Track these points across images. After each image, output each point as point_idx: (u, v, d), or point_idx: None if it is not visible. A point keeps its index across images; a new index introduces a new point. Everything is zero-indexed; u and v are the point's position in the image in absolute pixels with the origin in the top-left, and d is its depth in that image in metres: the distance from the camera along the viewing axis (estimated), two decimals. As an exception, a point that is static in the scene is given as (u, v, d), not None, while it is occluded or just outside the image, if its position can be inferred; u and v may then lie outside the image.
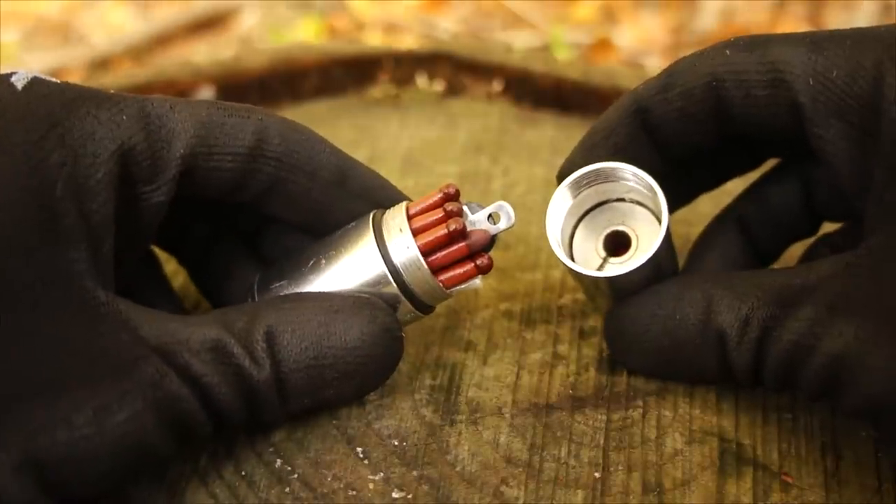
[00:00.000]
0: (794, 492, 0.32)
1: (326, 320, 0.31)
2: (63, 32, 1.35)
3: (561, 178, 0.35)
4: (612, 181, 0.35)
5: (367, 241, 0.33)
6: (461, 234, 0.33)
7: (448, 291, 0.33)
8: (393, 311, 0.33)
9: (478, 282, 0.33)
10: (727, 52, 0.33)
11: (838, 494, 0.32)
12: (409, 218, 0.33)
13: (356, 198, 0.35)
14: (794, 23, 1.25)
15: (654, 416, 0.34)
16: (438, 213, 0.33)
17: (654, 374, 0.35)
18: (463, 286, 0.33)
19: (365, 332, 0.31)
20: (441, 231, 0.33)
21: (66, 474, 0.27)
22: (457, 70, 0.57)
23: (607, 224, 0.36)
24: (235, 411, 0.30)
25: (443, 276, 0.33)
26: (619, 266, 0.34)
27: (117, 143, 0.30)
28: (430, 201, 0.34)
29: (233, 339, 0.30)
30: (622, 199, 0.36)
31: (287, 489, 0.32)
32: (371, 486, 0.32)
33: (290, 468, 0.32)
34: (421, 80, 0.57)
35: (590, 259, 0.36)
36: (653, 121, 0.34)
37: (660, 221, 0.33)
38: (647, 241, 0.35)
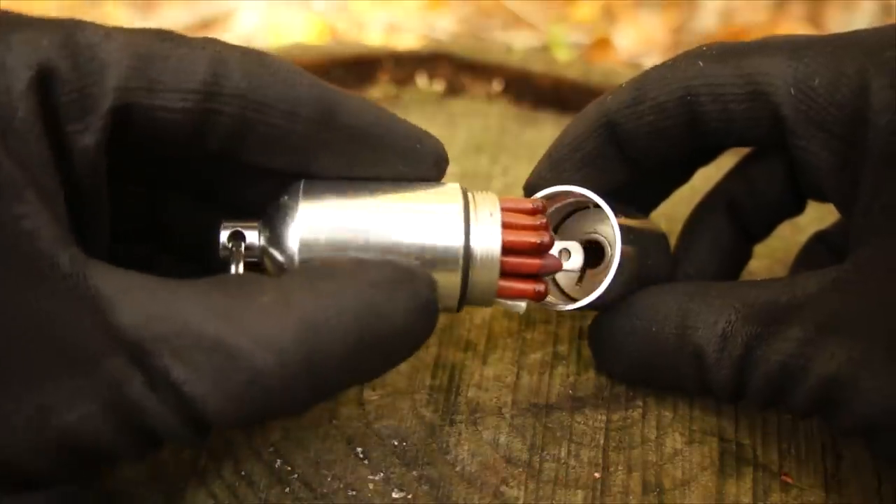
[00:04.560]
0: (794, 492, 0.32)
1: (370, 298, 0.26)
2: (63, 32, 1.35)
3: (527, 191, 0.35)
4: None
5: (454, 209, 0.30)
6: (546, 249, 0.31)
7: (496, 300, 0.31)
8: (432, 282, 0.29)
9: (523, 305, 0.32)
10: (700, 63, 0.31)
11: (838, 494, 0.32)
12: (501, 210, 0.31)
13: (348, 138, 0.29)
14: (793, 23, 1.25)
15: (654, 416, 0.34)
16: (528, 219, 0.31)
17: (637, 382, 0.35)
18: (509, 302, 0.32)
19: (409, 308, 0.27)
20: (531, 238, 0.31)
21: (5, 469, 0.25)
22: (457, 70, 0.57)
23: (581, 232, 0.35)
24: (230, 419, 0.25)
25: (502, 283, 0.31)
26: (576, 301, 0.33)
27: (34, 71, 0.25)
28: (523, 205, 0.32)
29: (241, 331, 0.24)
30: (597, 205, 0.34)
31: (287, 489, 0.32)
32: (371, 486, 0.32)
33: (290, 468, 0.32)
34: (421, 80, 0.57)
35: (568, 267, 0.34)
36: (622, 135, 0.33)
37: (613, 246, 0.32)
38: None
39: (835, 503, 0.32)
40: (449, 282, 0.30)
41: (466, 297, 0.31)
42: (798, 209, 0.37)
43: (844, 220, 0.31)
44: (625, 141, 0.33)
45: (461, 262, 0.30)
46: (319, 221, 0.29)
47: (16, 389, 0.24)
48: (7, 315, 0.24)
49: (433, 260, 0.30)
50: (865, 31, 0.30)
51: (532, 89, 0.56)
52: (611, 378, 0.36)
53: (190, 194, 0.33)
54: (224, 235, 0.30)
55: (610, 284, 0.32)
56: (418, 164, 0.31)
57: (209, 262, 0.32)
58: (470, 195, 0.31)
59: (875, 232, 0.28)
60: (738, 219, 0.37)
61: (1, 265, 0.24)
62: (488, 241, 0.30)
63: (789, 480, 0.32)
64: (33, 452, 0.24)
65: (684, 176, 0.38)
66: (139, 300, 0.24)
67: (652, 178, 0.36)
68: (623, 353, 0.34)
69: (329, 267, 0.28)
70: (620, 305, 0.33)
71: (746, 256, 0.38)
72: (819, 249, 0.37)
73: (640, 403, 0.35)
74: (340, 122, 0.29)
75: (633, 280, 0.33)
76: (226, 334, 0.24)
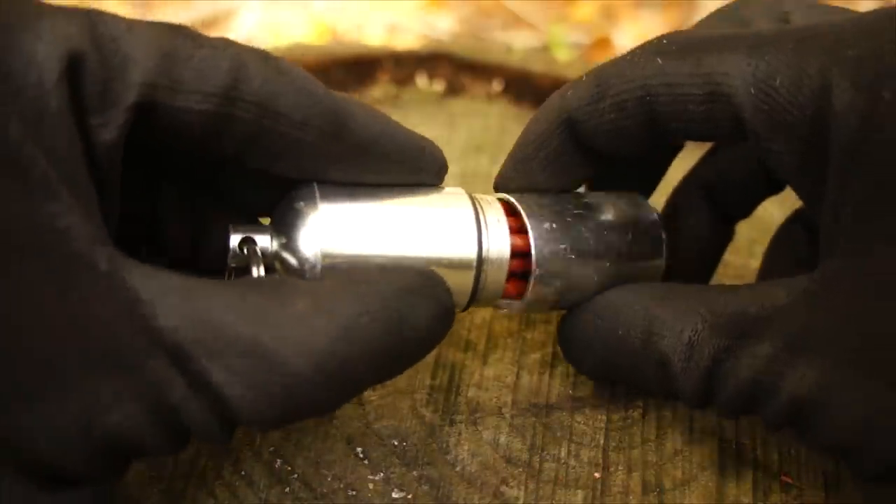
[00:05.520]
0: (794, 492, 0.32)
1: (398, 306, 0.27)
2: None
3: (498, 187, 0.35)
4: None
5: (466, 215, 0.31)
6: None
7: (500, 300, 0.33)
8: (448, 288, 0.30)
9: (519, 304, 0.33)
10: (658, 59, 0.30)
11: (838, 494, 0.32)
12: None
13: (357, 151, 0.30)
14: (794, 23, 1.25)
15: (654, 416, 0.34)
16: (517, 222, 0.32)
17: (603, 380, 0.35)
18: (506, 301, 0.33)
19: (433, 315, 0.28)
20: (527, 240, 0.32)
21: (49, 470, 0.25)
22: (457, 70, 0.57)
23: None
24: (266, 420, 0.25)
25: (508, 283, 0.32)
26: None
27: (64, 63, 0.24)
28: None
29: (279, 338, 0.24)
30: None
31: (287, 489, 0.32)
32: (371, 486, 0.32)
33: (290, 468, 0.32)
34: (421, 80, 0.57)
35: None
36: (583, 132, 0.32)
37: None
38: None
39: (835, 503, 0.32)
40: (461, 284, 0.31)
41: (476, 298, 0.32)
42: (778, 187, 0.37)
43: (814, 219, 0.31)
44: (586, 138, 0.33)
45: (475, 266, 0.31)
46: (338, 227, 0.29)
47: (60, 390, 0.24)
48: (47, 316, 0.23)
49: (448, 264, 0.31)
50: (826, 24, 0.29)
51: (532, 89, 0.56)
52: (578, 373, 0.36)
53: (187, 194, 0.33)
54: (235, 240, 0.30)
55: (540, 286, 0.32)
56: (421, 173, 0.32)
57: (200, 265, 0.33)
58: (476, 200, 0.32)
59: (843, 240, 0.28)
60: (715, 202, 0.37)
61: (39, 265, 0.23)
62: (499, 245, 0.31)
63: (789, 480, 0.32)
64: (77, 452, 0.24)
65: (664, 161, 0.37)
66: (177, 303, 0.24)
67: (622, 171, 0.36)
68: (589, 352, 0.33)
69: (357, 274, 0.29)
70: (587, 306, 0.33)
71: (728, 237, 0.38)
72: (796, 230, 0.36)
73: (640, 403, 0.35)
74: (350, 133, 0.29)
75: (611, 275, 0.33)
76: (263, 338, 0.24)
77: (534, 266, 0.32)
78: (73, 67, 0.25)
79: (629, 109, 0.31)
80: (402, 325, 0.27)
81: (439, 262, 0.30)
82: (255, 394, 0.24)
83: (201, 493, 0.31)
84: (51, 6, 0.25)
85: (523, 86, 0.56)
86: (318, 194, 0.30)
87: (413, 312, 0.27)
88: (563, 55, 1.01)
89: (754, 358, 0.28)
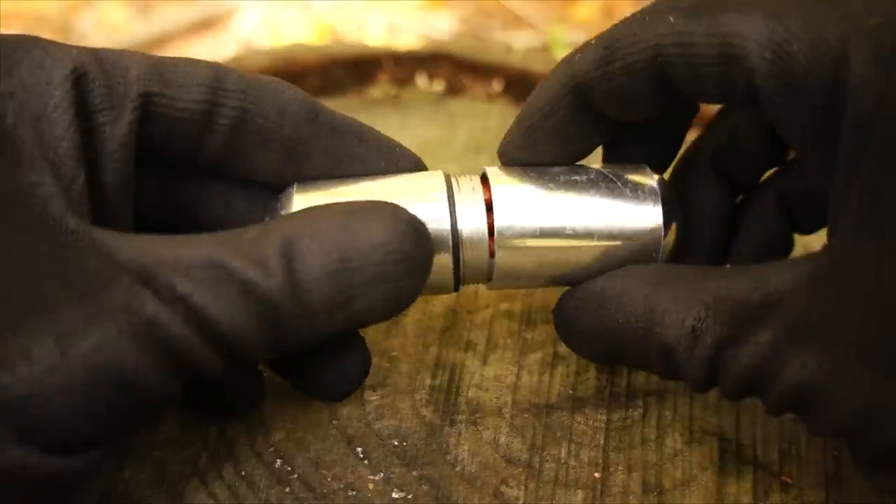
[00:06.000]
0: (794, 492, 0.32)
1: (347, 221, 0.28)
2: (63, 32, 1.35)
3: (503, 157, 0.34)
4: None
5: (438, 195, 0.32)
6: None
7: (494, 278, 0.33)
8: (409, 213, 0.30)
9: (493, 282, 0.33)
10: (671, 18, 0.29)
11: (838, 494, 0.32)
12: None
13: (331, 133, 0.32)
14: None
15: (654, 416, 0.34)
16: None
17: (604, 364, 0.35)
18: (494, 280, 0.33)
19: (389, 227, 0.28)
20: None
21: (37, 416, 0.24)
22: (457, 70, 0.57)
23: None
24: (247, 335, 0.26)
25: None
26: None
27: (69, 68, 0.28)
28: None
29: (233, 253, 0.26)
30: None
31: (287, 489, 0.32)
32: (371, 486, 0.32)
33: (290, 468, 0.32)
34: (421, 80, 0.57)
35: None
36: (593, 98, 0.32)
37: None
38: None
39: (835, 503, 0.32)
40: (442, 262, 0.31)
41: (461, 275, 0.32)
42: (781, 157, 0.36)
43: (823, 193, 0.29)
44: (595, 104, 0.32)
45: (450, 242, 0.31)
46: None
47: (31, 323, 0.24)
48: (18, 263, 0.25)
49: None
50: None
51: (532, 89, 0.56)
52: (579, 356, 0.35)
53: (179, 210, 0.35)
54: None
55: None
56: (399, 164, 0.33)
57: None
58: (452, 178, 0.33)
59: (852, 219, 0.27)
60: (720, 170, 0.36)
61: (18, 221, 0.26)
62: (474, 221, 0.32)
63: (789, 480, 0.32)
64: (63, 393, 0.24)
65: (679, 128, 0.36)
66: (138, 243, 0.26)
67: (648, 135, 0.35)
68: (589, 338, 0.33)
69: (309, 208, 0.30)
70: (585, 291, 0.32)
71: (733, 207, 0.37)
72: (766, 200, 0.36)
73: (640, 403, 0.35)
74: (323, 120, 0.32)
75: (599, 254, 0.32)
76: (218, 255, 0.26)
77: (494, 246, 0.32)
78: (79, 77, 0.28)
79: (640, 72, 0.30)
80: (351, 235, 0.27)
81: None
82: (221, 301, 0.26)
83: (201, 493, 0.31)
84: (57, 42, 0.30)
85: (523, 86, 0.56)
86: (295, 188, 0.32)
87: (364, 224, 0.28)
88: (562, 55, 1.01)
89: (756, 345, 0.28)
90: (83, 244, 0.26)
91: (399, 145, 0.33)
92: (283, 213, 0.32)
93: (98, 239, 0.26)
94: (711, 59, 0.29)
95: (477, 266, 0.32)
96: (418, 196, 0.32)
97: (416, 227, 0.29)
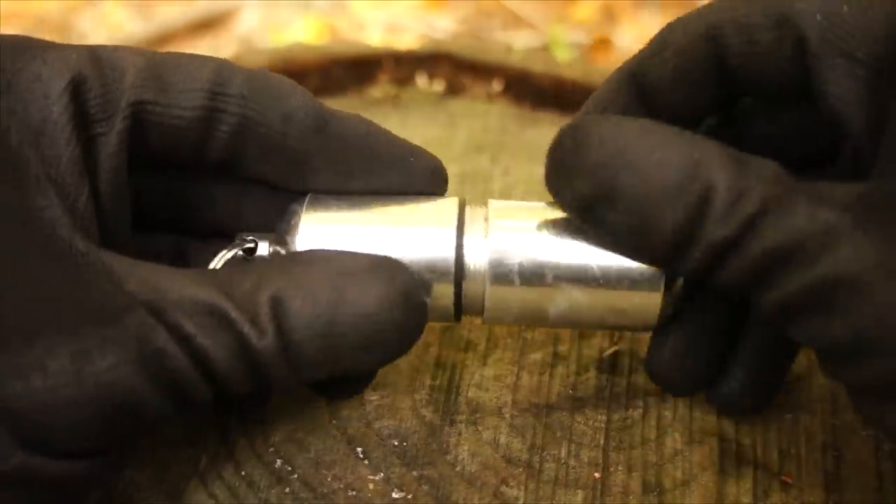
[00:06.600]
0: (794, 492, 0.32)
1: (340, 284, 0.28)
2: (63, 32, 1.35)
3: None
4: None
5: (447, 223, 0.31)
6: None
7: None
8: (414, 278, 0.29)
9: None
10: (727, 1, 0.31)
11: (838, 494, 0.32)
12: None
13: (341, 145, 0.31)
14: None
15: (654, 416, 0.34)
16: None
17: (589, 219, 0.29)
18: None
19: (382, 296, 0.28)
20: None
21: (43, 426, 0.25)
22: (457, 70, 0.57)
23: None
24: (237, 380, 0.27)
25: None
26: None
27: (67, 79, 0.28)
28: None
29: (231, 304, 0.27)
30: None
31: (287, 489, 0.32)
32: (371, 486, 0.32)
33: (290, 468, 0.32)
34: (421, 80, 0.57)
35: None
36: (647, 87, 0.32)
37: None
38: None
39: (835, 503, 0.32)
40: (444, 291, 0.31)
41: (462, 307, 0.32)
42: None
43: (867, 154, 0.29)
44: (651, 91, 0.32)
45: (452, 273, 0.31)
46: (319, 233, 0.31)
47: (48, 338, 0.25)
48: (32, 281, 0.26)
49: (428, 269, 0.30)
50: None
51: (532, 89, 0.56)
52: (558, 199, 0.29)
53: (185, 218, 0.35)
54: (225, 257, 0.32)
55: None
56: (413, 176, 0.32)
57: (234, 236, 0.33)
58: (468, 209, 0.32)
59: None
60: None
61: (29, 244, 0.26)
62: (479, 254, 0.31)
63: (789, 480, 0.32)
64: (73, 406, 0.25)
65: (737, 123, 0.34)
66: (145, 275, 0.27)
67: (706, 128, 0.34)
68: (596, 176, 0.27)
69: (308, 255, 0.29)
70: (616, 121, 0.28)
71: None
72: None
73: (640, 403, 0.35)
74: (332, 130, 0.30)
75: (584, 302, 0.31)
76: (219, 303, 0.26)
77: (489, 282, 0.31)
78: (76, 86, 0.28)
79: (693, 49, 0.31)
80: (342, 303, 0.27)
81: (419, 267, 0.30)
82: (219, 348, 0.26)
83: (201, 493, 0.31)
84: (53, 42, 0.29)
85: (523, 86, 0.56)
86: (306, 201, 0.31)
87: (357, 291, 0.28)
88: (563, 55, 1.01)
89: (807, 217, 0.25)
90: (94, 268, 0.26)
91: (415, 152, 0.32)
92: (289, 235, 0.31)
93: (107, 264, 0.27)
94: (765, 24, 0.29)
95: (478, 300, 0.31)
96: (427, 227, 0.31)
97: (409, 297, 0.28)
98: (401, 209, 0.31)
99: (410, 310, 0.28)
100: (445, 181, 0.32)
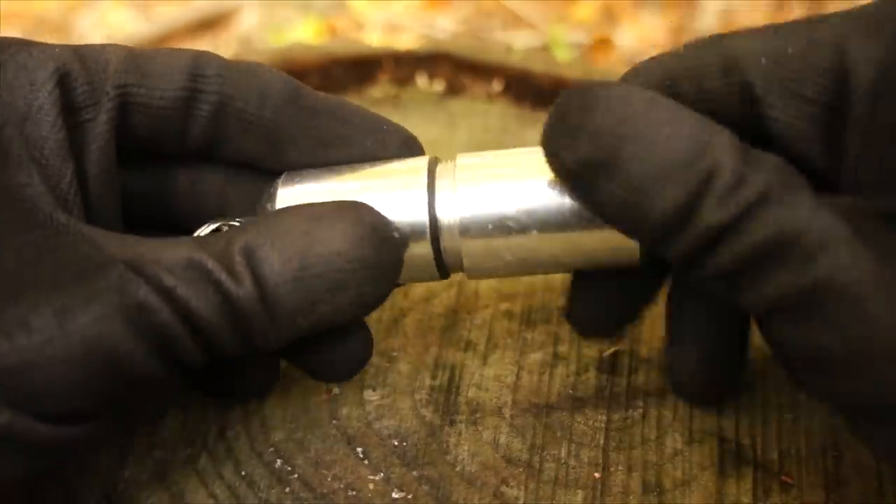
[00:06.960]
0: (794, 492, 0.32)
1: (308, 228, 0.28)
2: (63, 32, 1.35)
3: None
4: None
5: (419, 182, 0.31)
6: None
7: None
8: (382, 216, 0.30)
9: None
10: (682, 50, 0.31)
11: (838, 494, 0.32)
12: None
13: (314, 115, 0.32)
14: (794, 23, 1.25)
15: (654, 416, 0.34)
16: None
17: (584, 187, 0.27)
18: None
19: (350, 232, 0.28)
20: None
21: (31, 384, 0.25)
22: (457, 70, 0.57)
23: None
24: (221, 331, 0.28)
25: None
26: None
27: (52, 69, 0.29)
28: None
29: (207, 255, 0.27)
30: None
31: (287, 489, 0.32)
32: (371, 486, 0.32)
33: (290, 468, 0.32)
34: (421, 80, 0.57)
35: None
36: None
37: None
38: None
39: (835, 503, 0.32)
40: (422, 251, 0.31)
41: (444, 263, 0.32)
42: None
43: (830, 189, 0.28)
44: None
45: (428, 231, 0.31)
46: (295, 197, 0.32)
47: (30, 296, 0.26)
48: (12, 247, 0.27)
49: (405, 229, 0.31)
50: (844, 11, 0.29)
51: (532, 89, 0.56)
52: (555, 164, 0.28)
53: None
54: (207, 229, 0.32)
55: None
56: (386, 143, 0.33)
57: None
58: (439, 166, 0.32)
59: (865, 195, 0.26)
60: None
61: (11, 215, 0.27)
62: (452, 211, 0.31)
63: (789, 480, 0.32)
64: (60, 364, 0.25)
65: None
66: (124, 240, 0.28)
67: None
68: (590, 140, 0.27)
69: (278, 211, 0.30)
70: (606, 89, 0.27)
71: None
72: None
73: (640, 404, 0.35)
74: (306, 102, 0.32)
75: (558, 248, 0.31)
76: (197, 256, 0.27)
77: (440, 231, 0.31)
78: (62, 77, 0.29)
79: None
80: (311, 243, 0.28)
81: (396, 228, 0.31)
82: (201, 297, 0.27)
83: (201, 493, 0.31)
84: (39, 41, 0.31)
85: (523, 86, 0.56)
86: (282, 178, 0.32)
87: (325, 232, 0.28)
88: (563, 55, 1.01)
89: (808, 213, 0.25)
90: (74, 234, 0.28)
91: (387, 122, 0.33)
92: (267, 206, 0.32)
93: (87, 232, 0.28)
94: (714, 72, 0.29)
95: (457, 255, 0.31)
96: (398, 185, 0.31)
97: (379, 232, 0.29)
98: (373, 170, 0.32)
99: (381, 245, 0.29)
100: (420, 149, 0.33)
